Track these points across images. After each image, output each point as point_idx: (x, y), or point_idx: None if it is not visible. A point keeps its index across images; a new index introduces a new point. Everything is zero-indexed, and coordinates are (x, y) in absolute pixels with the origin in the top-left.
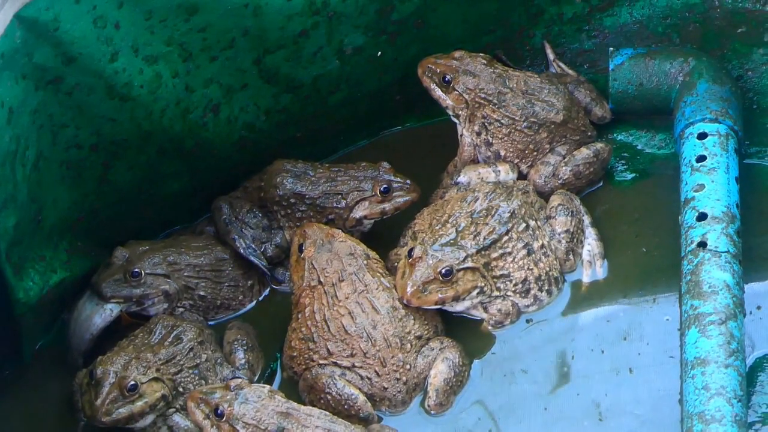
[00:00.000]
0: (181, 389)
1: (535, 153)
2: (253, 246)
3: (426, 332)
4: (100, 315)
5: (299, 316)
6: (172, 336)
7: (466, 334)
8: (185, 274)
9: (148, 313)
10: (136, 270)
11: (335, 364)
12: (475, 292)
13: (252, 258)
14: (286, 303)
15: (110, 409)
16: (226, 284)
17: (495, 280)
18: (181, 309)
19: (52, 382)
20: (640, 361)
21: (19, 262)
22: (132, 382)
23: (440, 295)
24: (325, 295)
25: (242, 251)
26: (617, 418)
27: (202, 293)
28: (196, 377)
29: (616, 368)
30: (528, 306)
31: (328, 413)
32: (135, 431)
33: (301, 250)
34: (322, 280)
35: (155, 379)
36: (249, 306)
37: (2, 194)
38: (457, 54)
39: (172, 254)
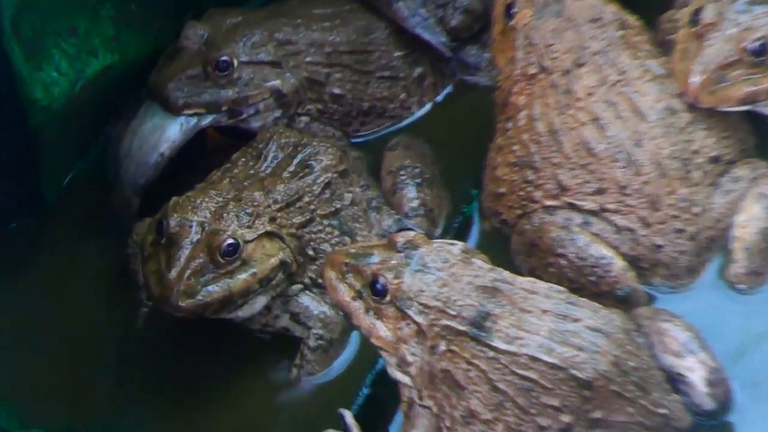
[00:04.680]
0: (311, 251)
1: None
2: (422, 13)
3: (726, 152)
4: (174, 129)
5: (509, 125)
6: (295, 162)
7: None
8: (307, 59)
9: (250, 128)
10: (224, 58)
11: (572, 206)
12: None
13: (421, 31)
14: (483, 105)
15: (193, 285)
16: (377, 75)
17: None
18: (305, 118)
19: (89, 240)
20: None
21: (35, 39)
22: (230, 240)
23: (749, 88)
24: (552, 89)
25: (407, 21)
26: None
27: (337, 91)
28: (337, 232)
29: None
30: None
31: (562, 289)
32: (234, 323)
33: (509, 15)
34: (547, 64)
35: (269, 234)
36: (420, 111)
37: None
38: None
39: (282, 27)
